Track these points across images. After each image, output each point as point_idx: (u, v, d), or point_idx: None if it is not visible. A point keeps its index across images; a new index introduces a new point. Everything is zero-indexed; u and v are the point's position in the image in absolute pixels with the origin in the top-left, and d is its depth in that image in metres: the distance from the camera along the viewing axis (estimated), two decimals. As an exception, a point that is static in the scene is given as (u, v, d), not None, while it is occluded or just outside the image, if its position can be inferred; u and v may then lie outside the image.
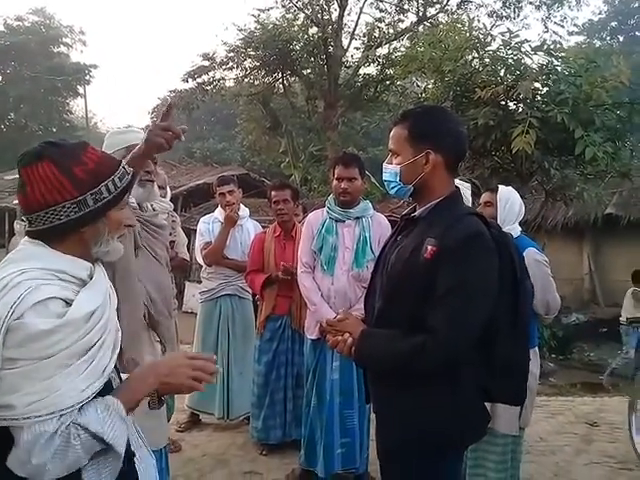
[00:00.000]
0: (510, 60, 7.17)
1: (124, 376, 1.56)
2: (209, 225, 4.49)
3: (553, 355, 8.96)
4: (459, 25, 8.75)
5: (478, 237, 1.71)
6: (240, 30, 17.42)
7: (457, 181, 2.30)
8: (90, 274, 1.43)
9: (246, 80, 18.55)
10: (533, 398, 3.14)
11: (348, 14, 18.00)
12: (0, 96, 28.10)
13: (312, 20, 17.29)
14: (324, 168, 15.73)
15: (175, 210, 4.35)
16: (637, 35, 28.04)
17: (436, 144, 1.80)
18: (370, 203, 3.55)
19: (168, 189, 3.98)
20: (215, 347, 4.37)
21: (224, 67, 17.97)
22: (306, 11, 17.58)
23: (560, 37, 15.01)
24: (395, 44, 17.68)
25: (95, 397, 1.35)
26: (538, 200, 8.63)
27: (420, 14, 17.81)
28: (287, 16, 17.91)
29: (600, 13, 29.35)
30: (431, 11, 17.91)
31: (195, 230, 4.81)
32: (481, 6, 18.12)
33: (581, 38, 26.71)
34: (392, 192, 1.93)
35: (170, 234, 3.44)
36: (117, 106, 74.98)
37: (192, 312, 8.25)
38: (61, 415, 1.27)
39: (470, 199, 3.23)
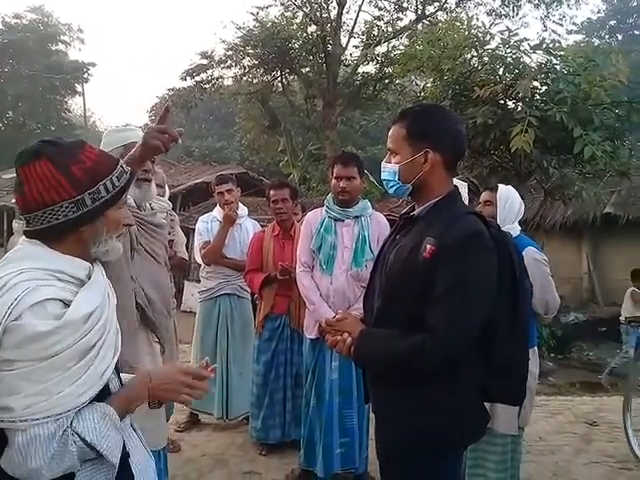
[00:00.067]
0: (509, 59, 7.18)
1: (123, 376, 1.56)
2: (208, 224, 4.48)
3: (552, 354, 8.95)
4: (458, 23, 8.74)
5: (477, 236, 1.70)
6: (239, 28, 17.42)
7: (454, 180, 2.29)
8: (89, 274, 1.43)
9: (245, 78, 18.56)
10: (532, 398, 3.14)
11: (347, 12, 18.05)
12: (-2, 94, 28.08)
13: (311, 18, 17.28)
14: (323, 167, 15.72)
15: (174, 209, 4.34)
16: (636, 34, 28.04)
17: (435, 143, 1.80)
18: (369, 202, 3.54)
19: (167, 188, 3.98)
20: (214, 346, 4.36)
21: (223, 65, 17.98)
22: (305, 9, 17.58)
23: (559, 36, 15.05)
24: (394, 42, 17.73)
25: (92, 401, 1.35)
26: (537, 199, 8.65)
27: (419, 12, 17.83)
28: (286, 14, 17.92)
29: (599, 12, 29.42)
30: (430, 9, 17.94)
31: (194, 229, 4.80)
32: (480, 4, 18.20)
33: (580, 37, 26.74)
34: (391, 191, 1.92)
35: (169, 233, 3.43)
36: (115, 104, 74.93)
37: (191, 311, 8.24)
38: (57, 419, 1.26)
39: (467, 198, 3.23)
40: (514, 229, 3.05)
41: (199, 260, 4.51)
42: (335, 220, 3.40)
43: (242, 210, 4.55)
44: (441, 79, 7.75)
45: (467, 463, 2.98)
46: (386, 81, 17.07)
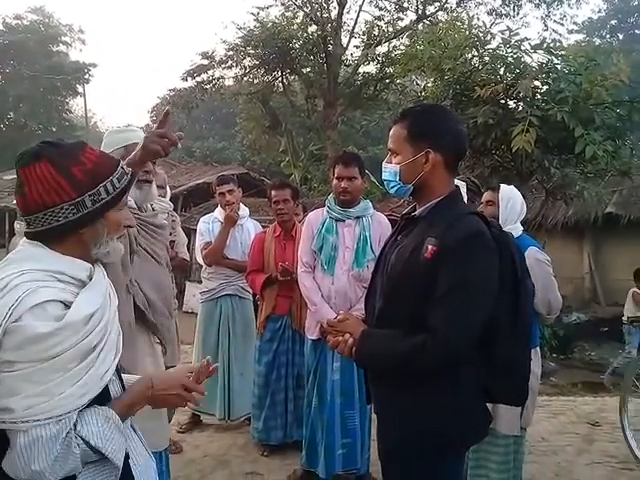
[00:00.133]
0: (510, 58, 7.17)
1: (125, 377, 1.56)
2: (209, 225, 4.48)
3: (554, 354, 8.95)
4: (459, 23, 8.70)
5: (479, 236, 1.70)
6: (239, 28, 17.40)
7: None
8: (90, 275, 1.42)
9: (245, 79, 18.54)
10: (535, 398, 3.13)
11: (347, 12, 18.03)
12: (-1, 95, 28.11)
13: (311, 18, 17.27)
14: (324, 167, 15.72)
15: (175, 210, 4.34)
16: (637, 33, 28.01)
17: (436, 143, 1.80)
18: (370, 202, 3.54)
19: (168, 189, 3.98)
20: (216, 347, 4.35)
21: (223, 66, 17.96)
22: (305, 9, 17.57)
23: (560, 35, 15.12)
24: (395, 42, 17.69)
25: (94, 404, 1.35)
26: (538, 199, 8.64)
27: (419, 12, 17.80)
28: (286, 14, 17.91)
29: (600, 11, 29.38)
30: (430, 9, 17.92)
31: (195, 230, 4.80)
32: (480, 4, 18.16)
33: (581, 36, 26.74)
34: (392, 191, 1.92)
35: (170, 234, 3.43)
36: (116, 105, 75.05)
37: (193, 312, 8.24)
38: (59, 420, 1.26)
39: (466, 197, 3.22)
40: (516, 229, 3.04)
41: (200, 261, 4.51)
42: (336, 220, 3.40)
43: (243, 211, 4.54)
44: (442, 79, 7.74)
45: (469, 464, 2.98)
46: (387, 81, 17.05)
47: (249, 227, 4.53)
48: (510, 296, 1.76)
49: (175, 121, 21.48)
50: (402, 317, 1.76)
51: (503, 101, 7.30)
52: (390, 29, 17.86)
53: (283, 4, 17.93)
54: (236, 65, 17.86)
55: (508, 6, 18.07)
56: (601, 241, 12.38)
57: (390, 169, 1.87)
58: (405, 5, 18.12)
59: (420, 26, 17.02)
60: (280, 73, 17.93)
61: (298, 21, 17.68)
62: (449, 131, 1.83)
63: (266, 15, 17.79)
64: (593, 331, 10.11)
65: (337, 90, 17.48)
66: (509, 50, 7.16)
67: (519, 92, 6.60)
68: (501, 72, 7.29)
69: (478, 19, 9.51)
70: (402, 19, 18.28)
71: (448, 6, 17.80)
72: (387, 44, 17.68)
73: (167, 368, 2.53)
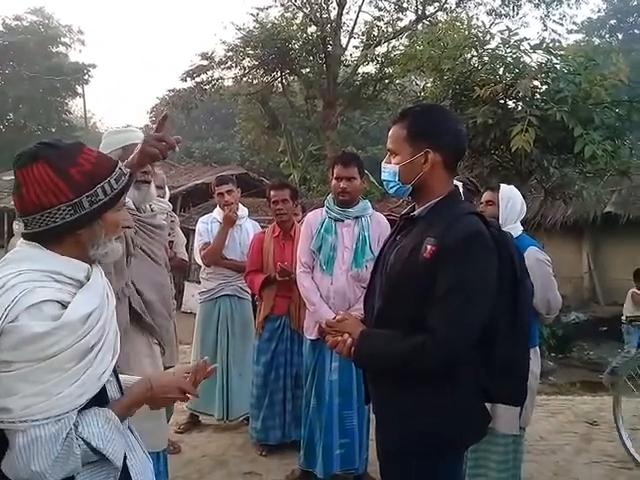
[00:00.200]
0: (509, 58, 7.18)
1: (122, 377, 1.56)
2: (208, 225, 4.48)
3: (553, 354, 8.96)
4: (458, 23, 8.72)
5: (477, 236, 1.70)
6: (239, 29, 17.43)
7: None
8: (87, 275, 1.42)
9: (245, 79, 18.56)
10: (534, 398, 3.13)
11: (347, 13, 18.04)
12: (-1, 96, 28.08)
13: (311, 19, 17.28)
14: (323, 167, 15.73)
15: (174, 210, 4.33)
16: (636, 33, 28.04)
17: (435, 143, 1.79)
18: (369, 202, 3.54)
19: (167, 189, 3.97)
20: (214, 347, 4.35)
21: (223, 66, 17.97)
22: (305, 10, 17.58)
23: (559, 35, 15.12)
24: (394, 43, 17.71)
25: (92, 405, 1.35)
26: (537, 199, 8.65)
27: (419, 12, 17.81)
28: (286, 15, 17.92)
29: (599, 11, 29.41)
30: (430, 9, 17.93)
31: (194, 230, 4.80)
32: (480, 4, 18.17)
33: (580, 36, 26.74)
34: (391, 191, 1.92)
35: (169, 234, 3.43)
36: (116, 106, 74.82)
37: (191, 312, 8.24)
38: (58, 420, 1.26)
39: (462, 197, 3.22)
40: (516, 229, 3.04)
41: (199, 261, 4.50)
42: (335, 220, 3.39)
43: (242, 211, 4.54)
44: (441, 79, 7.74)
45: (468, 463, 2.97)
46: (386, 81, 17.07)
47: (248, 227, 4.52)
48: (509, 296, 1.76)
49: (174, 121, 21.54)
50: (401, 317, 1.75)
51: (502, 101, 7.31)
52: (389, 29, 17.88)
53: (282, 5, 17.95)
54: (235, 66, 17.87)
55: (507, 6, 18.08)
56: (600, 241, 12.39)
57: (389, 169, 1.87)
58: (404, 5, 18.14)
59: (419, 26, 17.03)
60: (279, 74, 17.94)
61: (297, 22, 17.69)
62: (448, 131, 1.83)
63: (265, 16, 17.86)
64: (592, 330, 10.11)
65: (336, 90, 17.48)
66: (508, 50, 7.17)
67: (518, 92, 6.61)
68: (500, 72, 7.31)
69: (477, 19, 9.57)
70: (401, 19, 18.33)
71: (447, 6, 17.83)
72: (386, 44, 17.71)
73: (166, 368, 2.53)
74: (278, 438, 3.97)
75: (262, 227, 4.59)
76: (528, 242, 3.06)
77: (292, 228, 4.02)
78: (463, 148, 1.92)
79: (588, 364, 9.04)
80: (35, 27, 29.57)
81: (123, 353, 1.53)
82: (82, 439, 1.30)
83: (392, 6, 18.22)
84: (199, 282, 4.78)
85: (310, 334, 3.44)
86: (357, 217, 3.38)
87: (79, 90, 30.22)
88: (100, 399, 1.39)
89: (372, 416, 2.11)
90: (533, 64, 7.07)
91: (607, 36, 28.34)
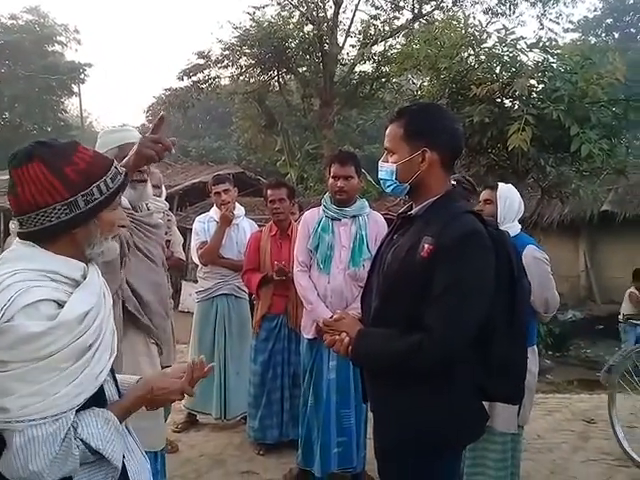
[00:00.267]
0: (506, 57, 7.18)
1: (119, 377, 1.56)
2: (204, 224, 4.47)
3: (550, 352, 8.97)
4: (455, 22, 8.70)
5: (474, 235, 1.70)
6: (235, 28, 17.40)
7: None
8: (84, 274, 1.42)
9: (241, 78, 18.53)
10: (532, 396, 3.13)
11: (343, 11, 18.06)
12: (-6, 95, 28.01)
13: (307, 18, 17.28)
14: (320, 166, 15.73)
15: (171, 209, 4.33)
16: (632, 32, 28.11)
17: (432, 142, 1.79)
18: (366, 201, 3.53)
19: (163, 188, 3.97)
20: (212, 347, 4.35)
21: (219, 65, 17.95)
22: (301, 9, 17.57)
23: (555, 34, 15.16)
24: (391, 41, 17.72)
25: (90, 405, 1.35)
26: (534, 197, 8.64)
27: (415, 11, 17.82)
28: (282, 14, 17.91)
29: (595, 10, 29.47)
30: (426, 8, 17.94)
31: (191, 229, 4.79)
32: (477, 3, 18.20)
33: (576, 35, 26.82)
34: (388, 190, 1.92)
35: (166, 233, 3.42)
36: (112, 105, 74.67)
37: (189, 311, 8.21)
38: (55, 420, 1.26)
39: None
40: (514, 227, 3.05)
41: (196, 260, 4.50)
42: (332, 219, 3.39)
43: (239, 210, 4.54)
44: (438, 78, 7.74)
45: (466, 462, 2.98)
46: (383, 80, 17.08)
47: (245, 226, 4.52)
48: (506, 295, 1.76)
49: (171, 120, 21.49)
50: (398, 316, 1.75)
51: (499, 100, 7.30)
52: (386, 28, 17.87)
53: (279, 3, 17.94)
54: (232, 64, 17.85)
55: (504, 5, 18.11)
56: (597, 239, 12.42)
57: (386, 168, 1.87)
58: (401, 4, 18.14)
59: (416, 25, 17.06)
60: (276, 72, 17.92)
61: (294, 20, 17.68)
62: (445, 130, 1.83)
63: (262, 14, 17.82)
64: (589, 329, 10.14)
65: (333, 89, 17.48)
66: (505, 49, 7.17)
67: (515, 91, 6.62)
68: (497, 71, 7.30)
69: (474, 18, 9.49)
70: (398, 18, 18.34)
71: (444, 5, 17.86)
72: (383, 43, 17.72)
73: (163, 368, 2.53)
74: (276, 437, 3.97)
75: (259, 226, 4.58)
76: (526, 240, 3.06)
77: (289, 227, 4.02)
78: (460, 147, 1.92)
79: (585, 362, 9.07)
80: (31, 26, 29.51)
81: (120, 352, 1.53)
82: (81, 440, 1.30)
83: (389, 5, 18.24)
84: (196, 281, 4.78)
85: (307, 333, 3.44)
86: (354, 216, 3.38)
87: (75, 89, 30.21)
88: (98, 399, 1.39)
89: (370, 415, 2.11)
90: (530, 63, 7.08)
91: (603, 35, 28.40)
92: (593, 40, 25.30)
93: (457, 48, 7.51)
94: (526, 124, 6.22)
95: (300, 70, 18.04)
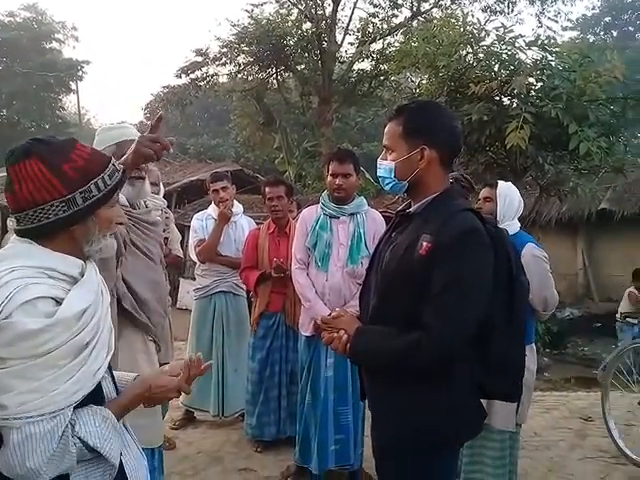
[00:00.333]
0: (504, 55, 7.16)
1: (116, 374, 1.56)
2: (202, 222, 4.47)
3: (547, 350, 8.99)
4: (453, 20, 8.67)
5: (473, 233, 1.70)
6: (233, 25, 17.36)
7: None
8: (81, 271, 1.42)
9: (240, 76, 18.49)
10: (530, 394, 3.13)
11: (342, 9, 18.00)
12: (-8, 93, 27.93)
13: (306, 15, 17.24)
14: (318, 164, 15.72)
15: (169, 207, 4.33)
16: (631, 30, 28.12)
17: (431, 139, 1.79)
18: (365, 199, 3.53)
19: (161, 185, 3.96)
20: (209, 344, 4.35)
21: (217, 63, 17.90)
22: (300, 6, 17.52)
23: (554, 32, 15.11)
24: (389, 39, 17.65)
25: (88, 402, 1.35)
26: (532, 195, 8.63)
27: (414, 9, 17.78)
28: (281, 11, 17.86)
29: (594, 8, 29.47)
30: (425, 6, 17.90)
31: (189, 227, 4.79)
32: (475, 1, 18.11)
33: (575, 33, 26.79)
34: (387, 188, 1.92)
35: (164, 231, 3.42)
36: (110, 102, 74.59)
37: (187, 309, 8.22)
38: (53, 417, 1.26)
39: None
40: (513, 225, 3.05)
41: (194, 258, 4.50)
42: (330, 217, 3.39)
43: (237, 207, 4.53)
44: (436, 76, 7.72)
45: (464, 459, 2.98)
46: (381, 78, 17.06)
47: (243, 224, 4.52)
48: (505, 293, 1.76)
49: (169, 118, 21.42)
50: (397, 314, 1.75)
51: (497, 98, 7.29)
52: (385, 26, 17.84)
53: (277, 1, 17.89)
54: (230, 62, 17.80)
55: (502, 3, 18.06)
56: (595, 237, 12.43)
57: (385, 166, 1.87)
58: (400, 2, 18.08)
59: (415, 23, 17.02)
60: (274, 70, 17.88)
61: (292, 18, 17.64)
62: (444, 128, 1.83)
63: (260, 12, 17.76)
64: (586, 327, 10.16)
65: (331, 87, 17.45)
66: (503, 47, 7.15)
67: (513, 89, 6.61)
68: (495, 69, 7.29)
69: (473, 16, 9.45)
70: (397, 16, 18.28)
71: (443, 3, 17.78)
72: (382, 41, 17.67)
73: (161, 365, 2.53)
74: (273, 434, 3.97)
75: (257, 224, 4.58)
76: (526, 239, 3.07)
77: (287, 225, 4.02)
78: (459, 145, 1.93)
79: (582, 360, 9.09)
80: (28, 23, 29.38)
81: (116, 349, 1.53)
82: (79, 438, 1.30)
83: (387, 3, 18.17)
84: (194, 279, 4.78)
85: (305, 330, 3.44)
86: (352, 214, 3.38)
87: (73, 86, 30.09)
88: (96, 396, 1.39)
89: (367, 412, 2.11)
90: (528, 61, 7.06)
91: (602, 33, 28.40)
92: (591, 38, 25.31)
93: (455, 46, 7.50)
94: (524, 122, 6.22)
95: (298, 68, 18.01)
